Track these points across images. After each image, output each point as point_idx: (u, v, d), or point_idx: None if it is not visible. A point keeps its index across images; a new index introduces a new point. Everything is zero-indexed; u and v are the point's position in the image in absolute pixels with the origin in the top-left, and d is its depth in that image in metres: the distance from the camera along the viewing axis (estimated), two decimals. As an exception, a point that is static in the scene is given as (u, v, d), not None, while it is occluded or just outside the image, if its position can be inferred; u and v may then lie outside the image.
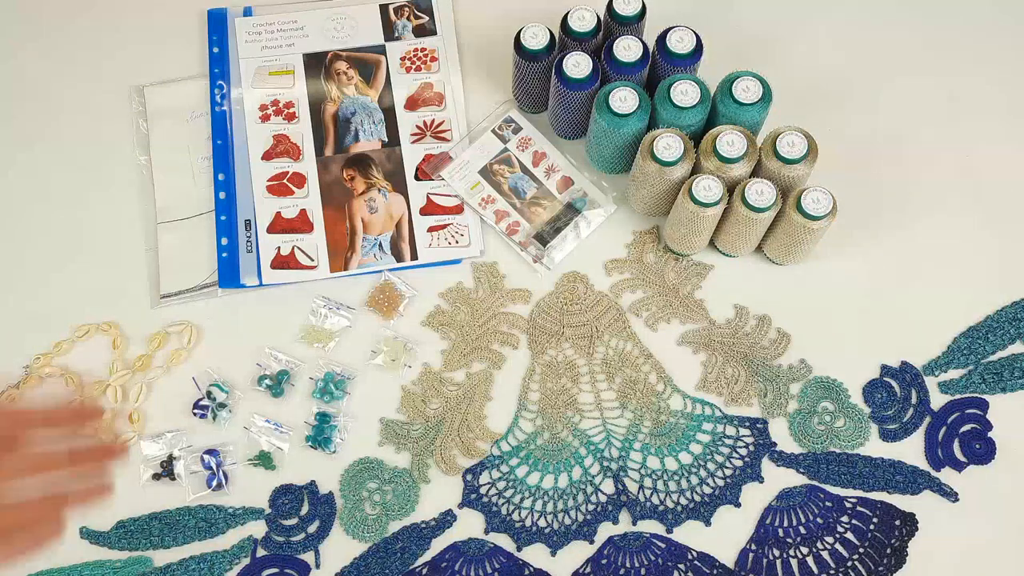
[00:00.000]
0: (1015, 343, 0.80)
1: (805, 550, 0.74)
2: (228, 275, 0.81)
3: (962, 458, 0.77)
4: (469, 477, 0.76)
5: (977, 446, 0.77)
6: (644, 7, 0.79)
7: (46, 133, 0.86)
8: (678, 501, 0.75)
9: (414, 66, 0.88)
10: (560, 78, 0.78)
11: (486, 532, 0.75)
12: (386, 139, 0.86)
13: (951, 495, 0.76)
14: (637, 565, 0.74)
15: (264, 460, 0.76)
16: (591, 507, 0.75)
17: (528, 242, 0.82)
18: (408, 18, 0.90)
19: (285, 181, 0.84)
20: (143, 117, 0.86)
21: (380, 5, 0.90)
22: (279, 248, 0.82)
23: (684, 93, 0.75)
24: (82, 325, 0.80)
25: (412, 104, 0.87)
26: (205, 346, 0.80)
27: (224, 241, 0.82)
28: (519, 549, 0.75)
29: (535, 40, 0.79)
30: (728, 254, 0.82)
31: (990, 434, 0.77)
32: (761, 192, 0.73)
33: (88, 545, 0.74)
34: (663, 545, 0.74)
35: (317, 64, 0.88)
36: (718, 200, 0.73)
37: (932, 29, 0.91)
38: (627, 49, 0.77)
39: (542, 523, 0.75)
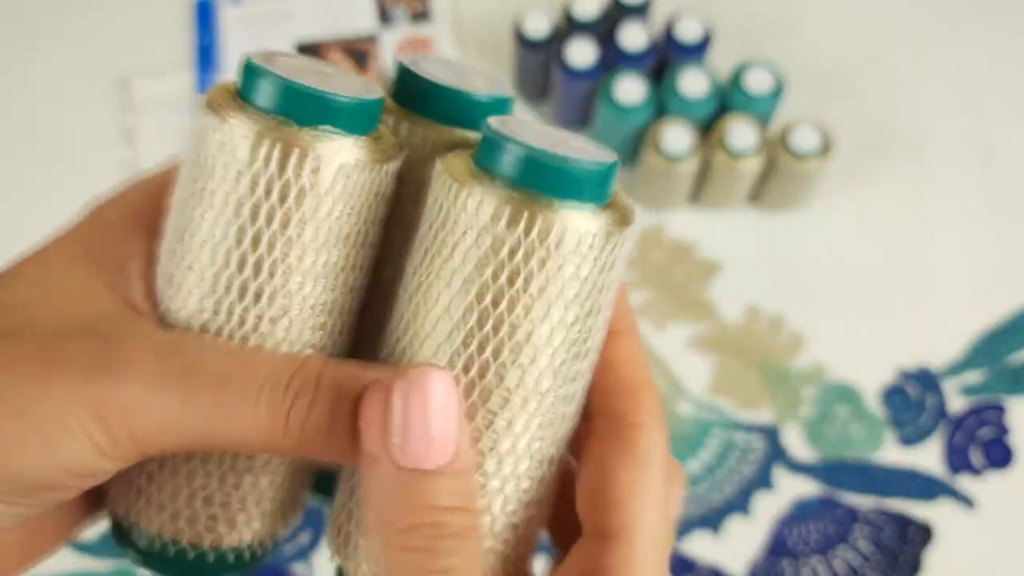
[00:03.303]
0: (1037, 344, 0.78)
1: (818, 559, 0.73)
2: (217, 274, 0.79)
3: (980, 463, 0.75)
4: (468, 484, 0.74)
5: (995, 451, 0.75)
6: (651, -7, 0.78)
7: (27, 127, 0.84)
8: (686, 509, 0.74)
9: (411, 54, 0.86)
10: (563, 68, 0.76)
11: (486, 542, 0.73)
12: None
13: (968, 501, 0.74)
14: None
15: (255, 467, 0.74)
16: (595, 516, 0.73)
17: (529, 239, 0.80)
18: (404, 4, 0.88)
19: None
20: (129, 110, 0.84)
21: (375, -9, 0.88)
22: (270, 245, 0.79)
23: (693, 83, 0.73)
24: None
25: (408, 95, 0.85)
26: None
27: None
28: (520, 559, 0.73)
29: (537, 28, 0.77)
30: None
31: (1009, 438, 0.75)
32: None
33: (72, 553, 0.72)
34: (670, 556, 0.73)
35: (309, 53, 0.86)
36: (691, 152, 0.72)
37: (955, 13, 0.89)
38: (634, 37, 0.75)
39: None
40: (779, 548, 0.73)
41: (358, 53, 0.86)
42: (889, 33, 0.88)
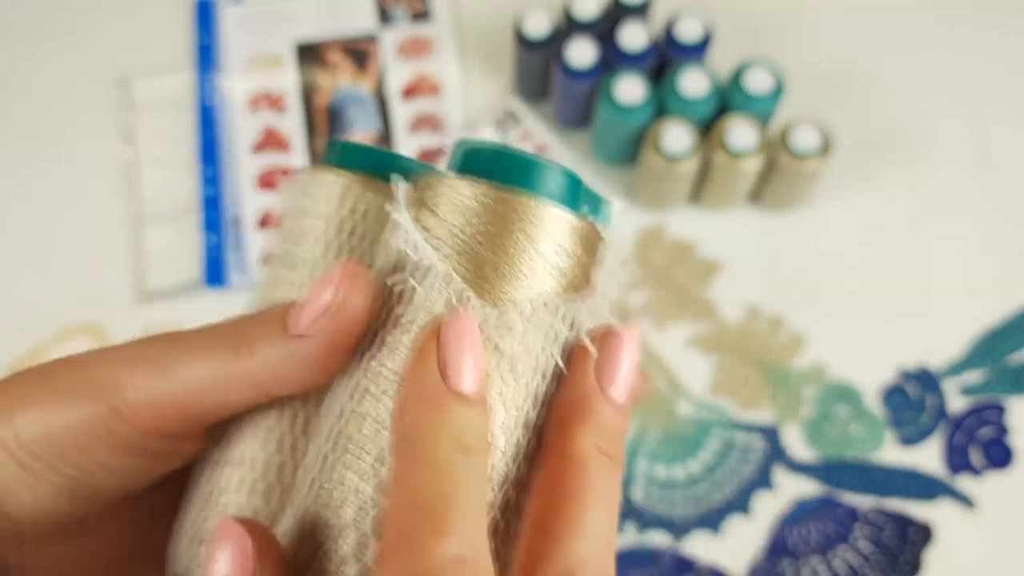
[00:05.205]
0: (1037, 344, 0.78)
1: (818, 559, 0.72)
2: (215, 273, 0.78)
3: (980, 463, 0.75)
4: (468, 484, 0.74)
5: (995, 451, 0.75)
6: (651, -7, 0.77)
7: (27, 127, 0.84)
8: (686, 510, 0.73)
9: (411, 54, 0.86)
10: (563, 67, 0.75)
11: (486, 542, 0.73)
12: (381, 130, 0.83)
13: (968, 501, 0.73)
14: (643, 576, 0.72)
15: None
16: (595, 516, 0.73)
17: (529, 239, 0.80)
18: (404, 4, 0.87)
19: (276, 175, 0.81)
20: (128, 109, 0.84)
21: (375, -9, 0.88)
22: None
23: (693, 83, 0.73)
24: (66, 327, 0.77)
25: (408, 94, 0.84)
26: (193, 347, 0.77)
27: (212, 238, 0.79)
28: (520, 559, 0.72)
29: (537, 28, 0.77)
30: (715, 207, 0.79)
31: (1009, 438, 0.75)
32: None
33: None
34: (670, 556, 0.72)
35: (309, 53, 0.85)
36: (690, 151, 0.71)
37: (955, 13, 0.88)
38: (634, 37, 0.75)
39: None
40: (779, 548, 0.73)
41: (358, 53, 0.86)
42: (889, 33, 0.88)
